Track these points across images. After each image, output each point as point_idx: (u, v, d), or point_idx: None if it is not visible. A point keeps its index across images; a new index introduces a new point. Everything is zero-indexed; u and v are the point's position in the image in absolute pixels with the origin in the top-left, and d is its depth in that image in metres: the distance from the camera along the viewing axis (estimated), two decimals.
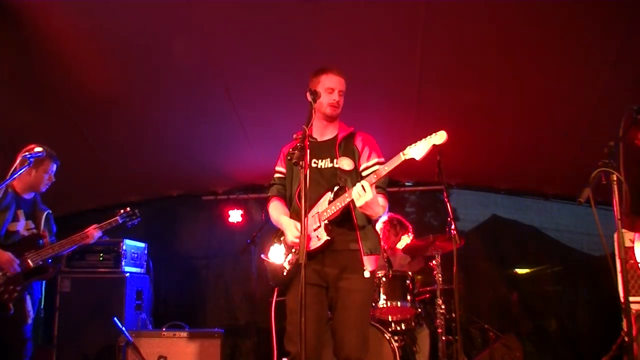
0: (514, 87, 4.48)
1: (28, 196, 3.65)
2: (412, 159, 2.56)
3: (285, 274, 2.85)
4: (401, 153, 2.60)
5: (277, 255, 2.94)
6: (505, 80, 4.42)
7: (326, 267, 2.77)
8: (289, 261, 2.86)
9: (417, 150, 2.56)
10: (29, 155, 3.38)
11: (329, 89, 2.89)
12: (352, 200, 2.64)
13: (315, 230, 2.74)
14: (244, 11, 3.90)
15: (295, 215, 2.88)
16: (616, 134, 2.83)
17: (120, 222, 3.91)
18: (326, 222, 2.73)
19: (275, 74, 4.45)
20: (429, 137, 2.56)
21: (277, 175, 3.12)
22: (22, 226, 3.53)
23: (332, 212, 2.73)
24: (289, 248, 2.88)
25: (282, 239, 2.94)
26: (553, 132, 4.93)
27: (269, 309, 2.99)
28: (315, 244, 2.72)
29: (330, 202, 2.76)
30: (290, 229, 2.79)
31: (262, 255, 3.01)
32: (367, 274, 2.76)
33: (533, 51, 4.06)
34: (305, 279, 2.69)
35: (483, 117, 4.92)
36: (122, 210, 3.98)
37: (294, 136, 2.98)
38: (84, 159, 5.12)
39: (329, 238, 2.71)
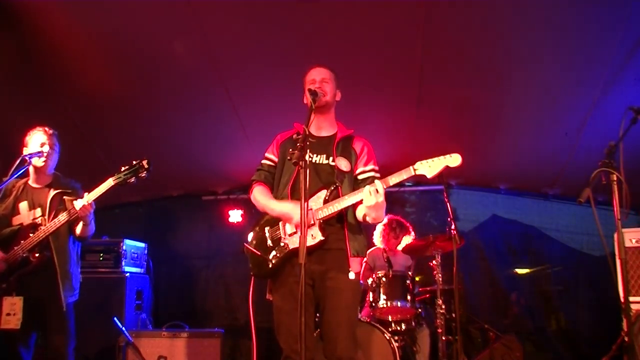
0: (514, 86, 4.48)
1: (40, 183, 3.50)
2: (423, 176, 2.58)
3: (269, 266, 2.79)
4: (411, 167, 2.61)
5: (260, 245, 2.86)
6: (505, 79, 4.42)
7: (313, 264, 2.70)
8: (274, 255, 2.79)
9: (430, 169, 2.58)
10: (28, 156, 3.37)
11: (310, 81, 2.94)
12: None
13: (308, 227, 2.68)
14: (244, 11, 3.90)
15: None
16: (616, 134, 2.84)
17: (114, 183, 3.24)
18: (320, 221, 2.71)
19: (275, 73, 4.45)
20: (442, 157, 2.58)
21: (266, 161, 3.04)
22: (25, 217, 3.39)
23: (329, 212, 2.71)
24: (276, 240, 2.81)
25: (266, 229, 2.87)
26: (553, 132, 4.93)
27: (262, 306, 2.93)
28: (309, 242, 2.65)
29: (325, 200, 2.74)
30: (293, 210, 2.67)
31: (245, 244, 2.91)
32: (352, 276, 2.74)
33: (533, 51, 4.06)
34: (294, 277, 2.69)
35: (483, 117, 4.92)
36: (122, 168, 3.29)
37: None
38: (84, 159, 5.12)
39: (324, 238, 2.69)
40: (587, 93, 4.33)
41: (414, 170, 2.60)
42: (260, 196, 2.94)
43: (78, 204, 3.21)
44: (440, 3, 3.71)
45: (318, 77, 2.94)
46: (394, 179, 2.63)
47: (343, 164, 2.87)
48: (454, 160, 2.58)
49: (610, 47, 3.84)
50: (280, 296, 2.78)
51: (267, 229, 2.88)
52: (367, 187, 2.60)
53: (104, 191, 3.26)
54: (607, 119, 4.08)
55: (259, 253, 2.84)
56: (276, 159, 3.01)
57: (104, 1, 3.78)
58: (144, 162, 3.29)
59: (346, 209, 2.76)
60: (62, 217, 3.26)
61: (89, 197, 3.24)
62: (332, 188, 2.77)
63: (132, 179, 3.27)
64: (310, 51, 4.17)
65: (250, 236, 2.95)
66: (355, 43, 4.14)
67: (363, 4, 3.80)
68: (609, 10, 3.62)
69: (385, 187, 2.62)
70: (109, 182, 3.27)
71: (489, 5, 3.71)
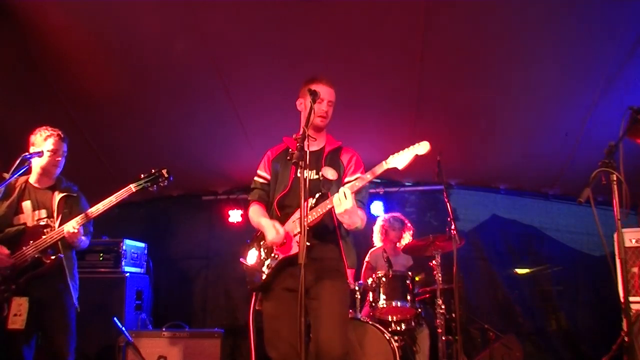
0: (514, 87, 4.48)
1: (43, 185, 3.48)
2: (395, 168, 2.60)
3: (263, 278, 2.83)
4: (384, 162, 2.64)
5: (254, 259, 2.93)
6: (505, 80, 4.41)
7: (307, 273, 2.65)
8: (267, 265, 2.82)
9: (400, 160, 2.60)
10: (28, 156, 3.37)
11: (318, 100, 2.83)
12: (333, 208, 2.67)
13: (295, 235, 2.74)
14: (244, 12, 3.90)
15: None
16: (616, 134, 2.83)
17: (135, 190, 3.30)
18: (307, 228, 2.72)
19: (275, 74, 4.45)
20: (412, 147, 2.60)
21: (258, 179, 3.07)
22: (29, 217, 3.37)
23: (313, 218, 2.71)
24: (268, 252, 2.86)
25: (261, 243, 2.92)
26: (553, 132, 4.93)
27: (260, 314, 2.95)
28: (294, 249, 2.72)
29: (311, 208, 2.75)
30: (270, 229, 2.77)
31: (241, 259, 2.98)
32: (344, 285, 2.82)
33: (533, 51, 4.06)
34: (285, 284, 2.74)
35: (483, 117, 4.92)
36: (142, 175, 3.36)
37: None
38: (84, 159, 5.12)
39: (309, 244, 2.64)
40: (587, 93, 4.32)
41: (387, 163, 2.63)
42: (253, 214, 3.02)
43: (67, 227, 3.22)
44: (440, 4, 3.71)
45: (327, 98, 2.89)
46: (368, 176, 2.66)
47: (329, 173, 2.89)
48: (422, 147, 2.59)
49: (610, 47, 3.84)
50: (272, 304, 2.80)
51: (261, 242, 2.93)
52: (336, 194, 2.62)
53: (124, 197, 3.29)
54: (607, 119, 4.08)
55: (253, 266, 2.90)
56: (268, 177, 3.03)
57: (104, 1, 3.78)
58: (164, 171, 3.37)
59: (339, 224, 2.78)
60: (78, 220, 3.26)
61: (104, 205, 3.27)
62: (318, 195, 2.76)
63: (154, 187, 3.35)
64: (310, 51, 4.17)
65: (246, 251, 3.01)
66: (355, 44, 4.13)
67: (363, 5, 3.80)
68: (608, 10, 3.62)
69: (356, 188, 2.63)
70: (130, 189, 3.31)
71: (488, 6, 3.71)
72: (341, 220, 2.70)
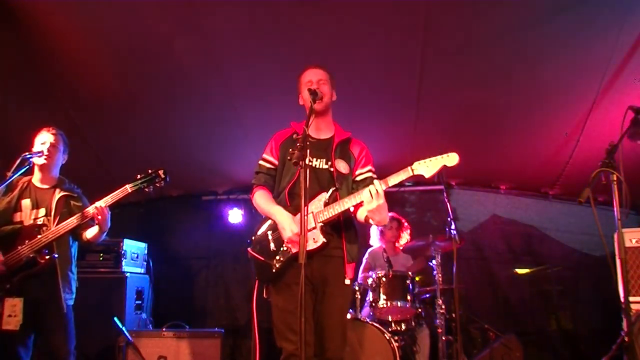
0: (514, 87, 4.47)
1: (45, 184, 3.48)
2: (422, 176, 2.59)
3: (274, 270, 2.78)
4: (409, 168, 2.62)
5: (264, 251, 2.84)
6: (505, 80, 4.41)
7: (313, 270, 2.73)
8: (278, 258, 2.77)
9: (427, 169, 2.59)
10: (28, 155, 3.37)
11: (307, 82, 2.92)
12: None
13: (310, 230, 2.67)
14: (245, 11, 3.90)
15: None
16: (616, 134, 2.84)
17: (130, 190, 3.31)
18: (322, 224, 2.71)
19: (275, 74, 4.44)
20: (440, 156, 2.59)
21: (264, 164, 2.99)
22: (26, 216, 3.36)
23: (330, 215, 2.71)
24: (278, 244, 2.79)
25: (270, 233, 2.85)
26: (553, 132, 4.93)
27: (264, 307, 2.93)
28: (311, 245, 2.66)
29: (326, 203, 2.74)
30: (290, 224, 2.69)
31: (249, 249, 2.90)
32: (347, 282, 2.81)
33: (533, 51, 4.06)
34: (295, 278, 2.68)
35: (483, 117, 4.92)
36: (138, 176, 3.35)
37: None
38: (84, 159, 5.11)
39: (326, 240, 2.69)
40: (587, 93, 4.32)
41: (412, 170, 2.61)
42: (261, 200, 2.91)
43: (93, 208, 3.24)
44: (440, 4, 3.71)
45: (315, 78, 2.91)
46: (392, 180, 2.63)
47: (342, 167, 2.88)
48: (451, 159, 2.58)
49: (610, 47, 3.84)
50: (283, 298, 2.76)
51: (270, 233, 2.86)
52: (367, 189, 2.59)
53: (119, 197, 3.30)
54: (607, 119, 4.09)
55: (263, 258, 2.83)
56: (276, 162, 2.97)
57: (105, 1, 3.78)
58: (160, 172, 3.36)
59: (343, 215, 2.77)
60: (74, 220, 3.26)
61: (105, 201, 3.27)
62: (332, 190, 2.77)
63: (150, 188, 3.34)
64: (310, 51, 4.17)
65: (254, 240, 2.93)
66: (355, 44, 4.13)
67: (363, 5, 3.80)
68: (608, 9, 3.62)
69: (384, 188, 2.61)
70: (126, 189, 3.30)
71: (488, 6, 3.71)
72: (372, 217, 2.68)
